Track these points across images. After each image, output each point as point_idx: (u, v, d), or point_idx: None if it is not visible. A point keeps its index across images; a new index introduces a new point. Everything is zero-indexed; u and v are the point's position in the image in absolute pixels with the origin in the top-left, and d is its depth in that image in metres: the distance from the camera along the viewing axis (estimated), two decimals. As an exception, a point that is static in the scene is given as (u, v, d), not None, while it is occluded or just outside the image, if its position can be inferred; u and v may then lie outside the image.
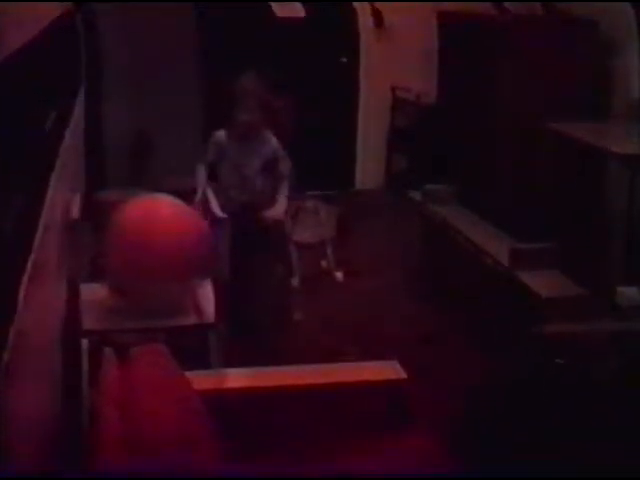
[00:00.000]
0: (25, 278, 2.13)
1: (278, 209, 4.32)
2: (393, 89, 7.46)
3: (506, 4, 6.58)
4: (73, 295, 3.48)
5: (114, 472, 2.00)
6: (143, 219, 3.44)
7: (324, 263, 5.72)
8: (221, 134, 4.35)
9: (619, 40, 5.60)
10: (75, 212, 3.53)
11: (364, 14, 7.28)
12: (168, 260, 3.37)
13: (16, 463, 1.89)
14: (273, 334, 4.14)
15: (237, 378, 2.97)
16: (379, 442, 2.76)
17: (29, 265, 2.22)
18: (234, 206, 4.19)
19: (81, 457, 2.31)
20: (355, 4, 7.23)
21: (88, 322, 3.46)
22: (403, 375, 2.90)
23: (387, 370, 2.95)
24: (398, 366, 2.94)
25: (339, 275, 5.65)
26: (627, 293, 4.35)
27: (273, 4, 6.83)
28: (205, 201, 3.93)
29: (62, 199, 3.52)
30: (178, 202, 3.54)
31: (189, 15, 6.74)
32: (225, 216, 3.59)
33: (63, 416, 2.99)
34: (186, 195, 3.90)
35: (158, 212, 3.47)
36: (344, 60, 7.42)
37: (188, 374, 2.53)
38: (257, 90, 4.18)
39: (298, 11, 6.86)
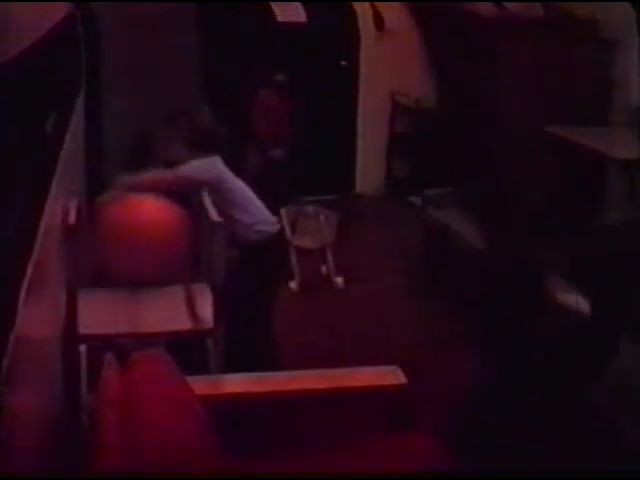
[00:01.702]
0: (25, 283, 2.12)
1: None
2: (392, 94, 7.47)
3: (506, 4, 6.58)
4: (72, 300, 3.47)
5: (114, 476, 1.99)
6: (128, 213, 3.79)
7: (324, 269, 5.71)
8: None
9: (619, 41, 5.61)
10: (72, 217, 3.52)
11: (365, 18, 7.28)
12: (153, 246, 3.66)
13: (16, 468, 1.89)
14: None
15: (237, 383, 2.96)
16: (379, 443, 2.76)
17: (29, 270, 2.21)
18: None
19: (81, 462, 2.31)
20: (356, 7, 7.23)
21: (88, 327, 3.46)
22: (403, 380, 2.90)
23: (387, 375, 2.95)
24: (399, 371, 2.94)
25: (339, 281, 5.64)
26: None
27: (274, 6, 6.83)
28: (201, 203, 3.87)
29: (62, 203, 3.52)
30: (161, 201, 3.78)
31: (189, 18, 6.74)
32: (221, 220, 3.57)
33: (63, 421, 2.99)
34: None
35: (142, 207, 3.80)
36: (344, 64, 7.42)
37: (188, 379, 2.53)
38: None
39: (299, 16, 6.85)
